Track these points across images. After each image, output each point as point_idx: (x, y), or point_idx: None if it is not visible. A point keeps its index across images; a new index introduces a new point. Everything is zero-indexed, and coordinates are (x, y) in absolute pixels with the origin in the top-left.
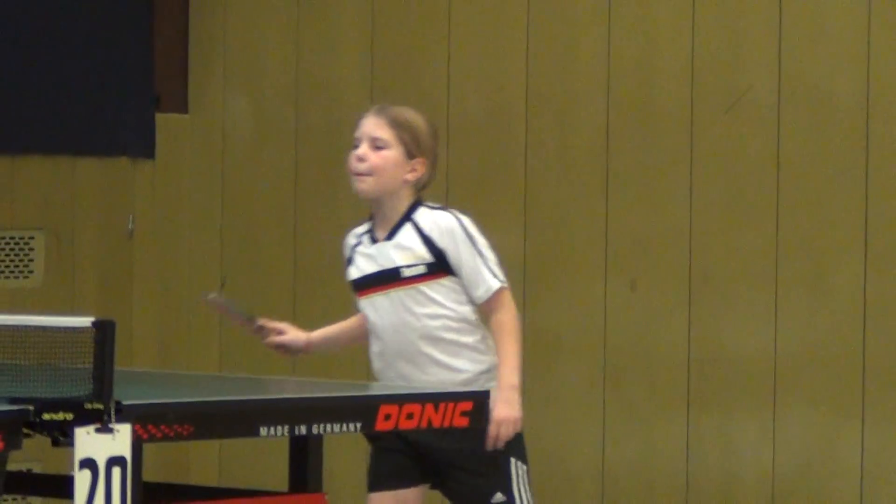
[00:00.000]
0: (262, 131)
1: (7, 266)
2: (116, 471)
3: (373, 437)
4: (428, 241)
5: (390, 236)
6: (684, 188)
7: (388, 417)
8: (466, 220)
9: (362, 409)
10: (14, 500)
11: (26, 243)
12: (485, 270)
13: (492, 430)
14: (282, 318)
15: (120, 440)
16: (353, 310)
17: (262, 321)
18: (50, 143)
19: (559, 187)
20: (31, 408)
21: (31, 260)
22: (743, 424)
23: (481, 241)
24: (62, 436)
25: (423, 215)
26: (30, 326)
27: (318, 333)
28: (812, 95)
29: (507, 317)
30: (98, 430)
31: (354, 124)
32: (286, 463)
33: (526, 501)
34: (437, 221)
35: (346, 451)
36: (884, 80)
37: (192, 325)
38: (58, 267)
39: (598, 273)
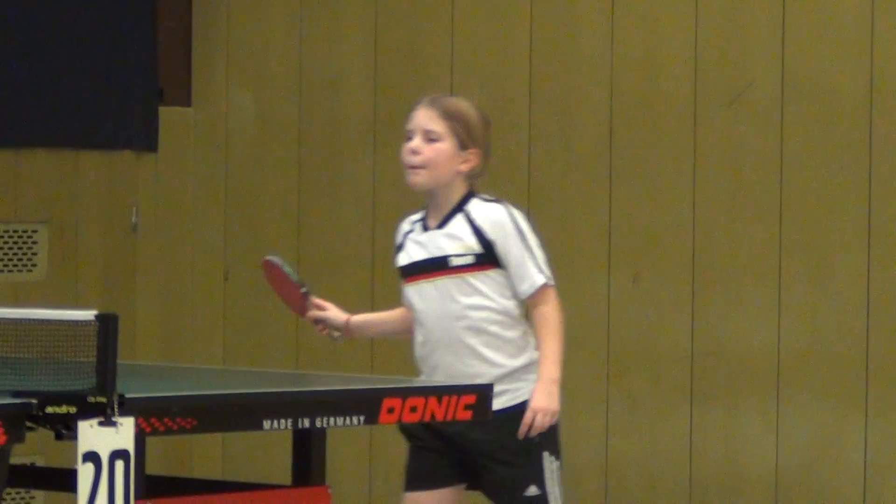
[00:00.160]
0: (265, 125)
1: (11, 259)
2: (119, 464)
3: (409, 435)
4: (478, 232)
5: (441, 225)
6: (688, 182)
7: (391, 411)
8: (518, 215)
9: (365, 403)
10: (17, 493)
11: (30, 237)
12: (531, 265)
13: (527, 416)
14: (284, 313)
15: (123, 433)
16: (400, 302)
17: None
18: (53, 137)
19: (562, 181)
20: (34, 401)
21: (34, 253)
22: (746, 418)
23: (531, 237)
24: (65, 429)
25: (476, 206)
26: (33, 320)
27: (359, 317)
28: (815, 90)
29: (551, 312)
30: (101, 424)
31: (407, 116)
32: (289, 456)
33: (557, 497)
34: (489, 213)
35: (349, 444)
36: (887, 75)
37: (195, 318)
38: (61, 260)
39: (601, 267)
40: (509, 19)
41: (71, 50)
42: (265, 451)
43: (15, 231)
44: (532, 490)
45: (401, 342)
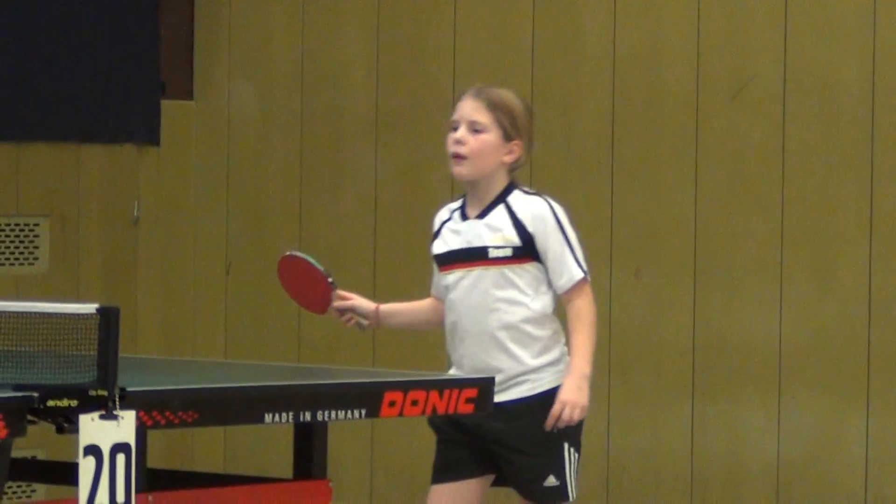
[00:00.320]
0: (267, 118)
1: (12, 253)
2: (121, 457)
3: (435, 429)
4: (519, 225)
5: (482, 215)
6: (689, 176)
7: (392, 404)
8: (559, 209)
9: (367, 396)
10: (18, 486)
11: (31, 230)
12: (570, 259)
13: (556, 408)
14: (285, 307)
15: (124, 427)
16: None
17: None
18: (55, 131)
19: (564, 175)
20: (35, 394)
21: (36, 247)
22: (748, 412)
23: (571, 232)
24: (66, 422)
25: (518, 199)
26: (35, 313)
27: (387, 306)
28: (817, 83)
29: (586, 307)
30: (102, 417)
31: (452, 106)
32: (291, 450)
33: (574, 490)
34: (531, 207)
35: (350, 437)
36: (889, 69)
37: (196, 311)
38: (63, 254)
39: (603, 261)
40: (512, 13)
41: (73, 44)
42: (266, 444)
43: (16, 224)
44: (551, 480)
45: (401, 335)
